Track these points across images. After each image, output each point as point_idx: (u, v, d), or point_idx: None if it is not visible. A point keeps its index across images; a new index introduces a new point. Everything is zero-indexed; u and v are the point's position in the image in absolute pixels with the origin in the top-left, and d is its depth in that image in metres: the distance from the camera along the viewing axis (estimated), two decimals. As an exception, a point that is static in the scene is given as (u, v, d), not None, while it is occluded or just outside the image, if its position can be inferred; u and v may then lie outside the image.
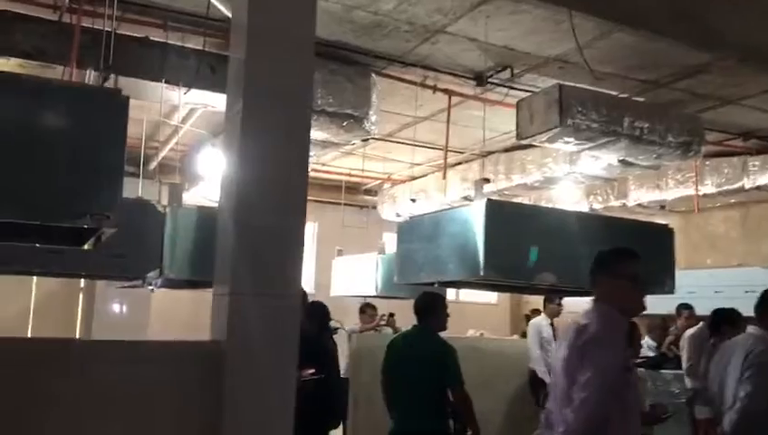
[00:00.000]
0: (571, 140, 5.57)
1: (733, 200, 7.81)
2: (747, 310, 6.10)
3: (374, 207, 10.57)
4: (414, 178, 9.68)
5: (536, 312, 9.01)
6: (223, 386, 2.78)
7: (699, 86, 5.71)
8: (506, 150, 7.98)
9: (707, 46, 4.96)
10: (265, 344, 2.74)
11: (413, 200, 6.27)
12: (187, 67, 4.78)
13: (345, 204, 10.05)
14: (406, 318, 8.07)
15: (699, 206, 8.24)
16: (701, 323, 5.69)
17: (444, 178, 6.92)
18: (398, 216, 9.97)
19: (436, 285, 4.83)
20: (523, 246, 4.47)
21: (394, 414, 4.37)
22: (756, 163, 7.23)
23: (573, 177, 7.07)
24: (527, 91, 5.83)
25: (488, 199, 4.54)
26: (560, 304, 7.13)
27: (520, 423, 6.68)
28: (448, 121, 6.12)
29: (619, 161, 6.31)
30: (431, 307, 4.36)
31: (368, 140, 7.44)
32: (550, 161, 7.24)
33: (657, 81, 5.69)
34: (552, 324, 7.12)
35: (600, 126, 5.47)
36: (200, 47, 4.82)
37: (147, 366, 2.69)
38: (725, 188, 7.52)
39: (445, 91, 5.96)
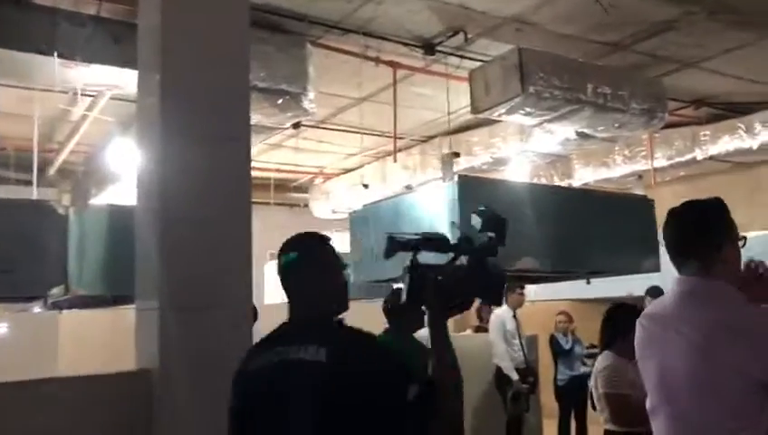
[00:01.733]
0: (532, 110, 5.04)
1: (682, 173, 7.54)
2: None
3: (305, 205, 9.82)
4: (348, 171, 8.99)
5: (487, 305, 8.50)
6: (155, 427, 2.11)
7: (661, 47, 5.30)
8: (449, 133, 7.41)
9: (677, -1, 4.55)
10: (208, 370, 2.09)
11: (365, 186, 5.61)
12: (83, 37, 3.92)
13: (274, 203, 9.26)
14: (359, 321, 7.38)
15: (644, 182, 7.94)
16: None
17: (395, 160, 6.27)
18: (333, 212, 9.26)
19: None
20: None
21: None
22: (707, 133, 6.95)
23: (525, 155, 6.57)
24: (480, 61, 5.27)
25: (460, 176, 3.94)
26: (522, 294, 6.61)
27: (489, 424, 6.13)
28: (395, 97, 5.48)
29: (578, 134, 5.86)
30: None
31: (299, 125, 6.74)
32: (498, 141, 6.71)
33: (618, 42, 5.25)
34: (515, 317, 6.59)
35: (563, 93, 4.97)
36: (97, 13, 3.98)
37: (55, 409, 2.01)
38: (677, 160, 7.23)
39: (389, 63, 5.31)
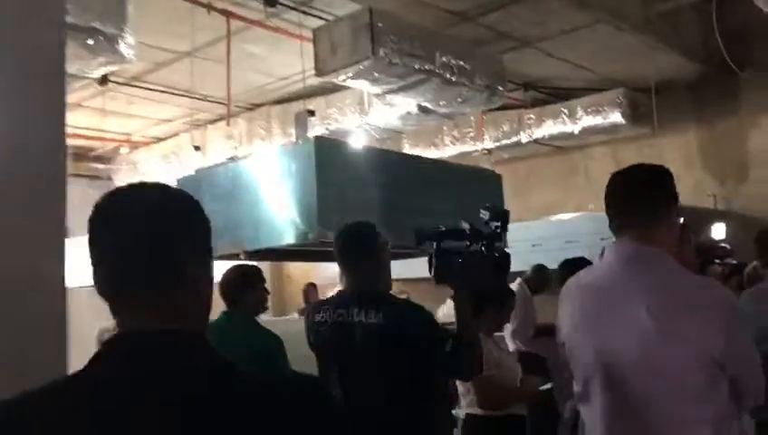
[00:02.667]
0: (381, 76, 4.71)
1: (506, 156, 7.71)
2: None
3: (108, 178, 8.69)
4: (160, 140, 8.08)
5: (312, 286, 8.13)
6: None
7: (505, 22, 5.24)
8: (277, 102, 6.88)
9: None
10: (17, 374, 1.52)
11: (197, 148, 4.83)
12: None
13: (73, 175, 8.07)
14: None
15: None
16: (518, 280, 5.29)
17: (228, 124, 5.59)
18: (142, 186, 8.27)
19: (242, 258, 3.64)
20: (362, 198, 3.50)
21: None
22: (532, 116, 7.14)
23: (362, 129, 6.25)
24: (323, 19, 4.82)
25: (317, 137, 3.48)
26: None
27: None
28: (229, 52, 4.84)
29: (419, 108, 5.64)
30: (247, 284, 3.17)
31: (107, 81, 5.84)
32: (334, 112, 6.32)
33: (465, 13, 5.09)
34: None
35: (412, 61, 4.68)
36: None
37: None
38: (504, 142, 7.36)
39: (223, 12, 4.67)
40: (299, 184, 3.33)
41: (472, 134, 7.49)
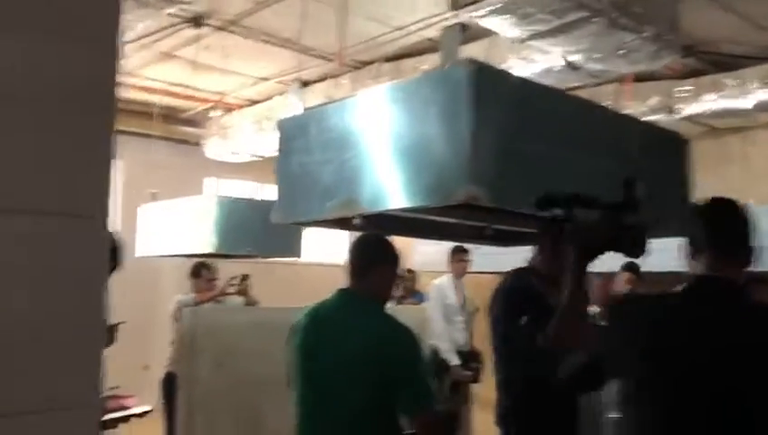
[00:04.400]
0: (533, 11, 3.75)
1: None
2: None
3: (197, 144, 8.10)
4: (255, 103, 7.39)
5: (411, 272, 7.28)
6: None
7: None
8: (388, 59, 6.02)
9: None
10: (58, 307, 1.10)
11: (305, 83, 4.01)
12: None
13: (158, 137, 7.50)
14: (260, 284, 5.93)
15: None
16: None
17: (342, 66, 4.76)
18: (234, 154, 7.64)
19: (357, 222, 2.78)
20: (527, 149, 2.57)
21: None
22: (688, 88, 5.99)
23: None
24: (461, -59, 3.90)
25: (473, 60, 2.56)
26: (464, 260, 5.40)
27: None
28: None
29: (567, 63, 4.65)
30: (376, 260, 2.32)
31: (202, 21, 5.14)
32: (456, 70, 5.38)
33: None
34: (458, 288, 5.38)
35: (574, -7, 3.71)
36: None
37: None
38: (649, 118, 6.23)
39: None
40: (444, 123, 2.42)
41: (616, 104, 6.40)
